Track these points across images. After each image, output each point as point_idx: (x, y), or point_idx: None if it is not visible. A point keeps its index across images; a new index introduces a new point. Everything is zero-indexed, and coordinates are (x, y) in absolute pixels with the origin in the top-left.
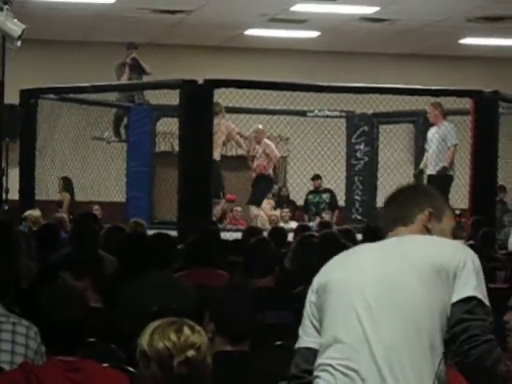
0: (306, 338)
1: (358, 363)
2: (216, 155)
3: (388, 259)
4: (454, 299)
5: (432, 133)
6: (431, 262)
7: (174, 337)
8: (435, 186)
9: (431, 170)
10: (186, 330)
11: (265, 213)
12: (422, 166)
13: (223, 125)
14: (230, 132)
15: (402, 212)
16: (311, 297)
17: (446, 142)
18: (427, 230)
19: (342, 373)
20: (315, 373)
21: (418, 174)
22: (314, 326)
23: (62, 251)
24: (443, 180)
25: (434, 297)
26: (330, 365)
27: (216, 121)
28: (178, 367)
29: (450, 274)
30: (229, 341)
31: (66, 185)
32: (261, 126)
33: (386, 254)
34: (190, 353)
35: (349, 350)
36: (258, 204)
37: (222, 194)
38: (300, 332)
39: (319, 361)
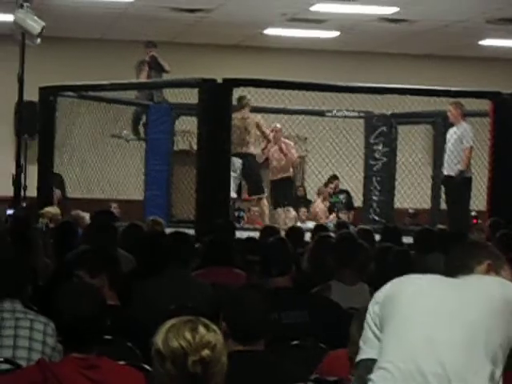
0: (369, 350)
1: (422, 367)
2: (252, 150)
3: (458, 285)
4: None
5: (450, 133)
6: (500, 293)
7: (188, 336)
8: (455, 189)
9: (448, 169)
10: (201, 329)
11: (320, 209)
12: None
13: (250, 117)
14: (257, 123)
15: (461, 262)
16: (374, 307)
17: (463, 143)
18: None
19: (401, 371)
20: (370, 376)
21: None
22: (377, 337)
23: (79, 249)
24: (462, 183)
25: (500, 322)
26: (390, 361)
27: (245, 115)
28: (192, 366)
29: None
30: (239, 341)
31: (57, 182)
32: (279, 125)
33: (455, 281)
34: (205, 352)
35: (413, 353)
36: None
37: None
38: (361, 344)
39: (377, 364)
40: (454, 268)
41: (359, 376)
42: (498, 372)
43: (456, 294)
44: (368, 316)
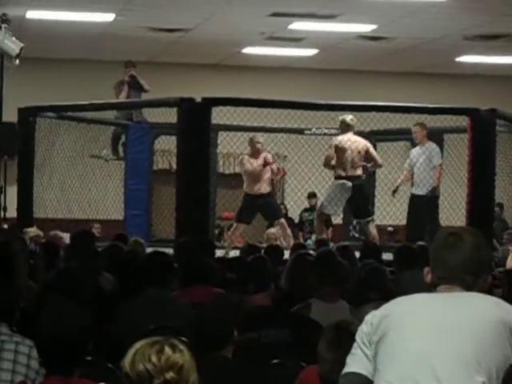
0: (355, 364)
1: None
2: (359, 172)
3: (452, 303)
4: None
5: (418, 153)
6: (494, 313)
7: (154, 358)
8: (427, 206)
9: (419, 190)
10: (167, 350)
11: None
12: (399, 182)
13: (359, 140)
14: (369, 148)
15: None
16: (364, 327)
17: (433, 162)
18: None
19: None
20: None
21: (394, 191)
22: (365, 354)
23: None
24: (434, 201)
25: (496, 341)
26: (388, 381)
27: (352, 137)
28: None
29: None
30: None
31: None
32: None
33: (448, 299)
34: (169, 375)
35: (410, 371)
36: None
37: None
38: (348, 359)
39: (375, 382)
40: (450, 272)
41: None
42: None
43: (450, 312)
44: (357, 336)
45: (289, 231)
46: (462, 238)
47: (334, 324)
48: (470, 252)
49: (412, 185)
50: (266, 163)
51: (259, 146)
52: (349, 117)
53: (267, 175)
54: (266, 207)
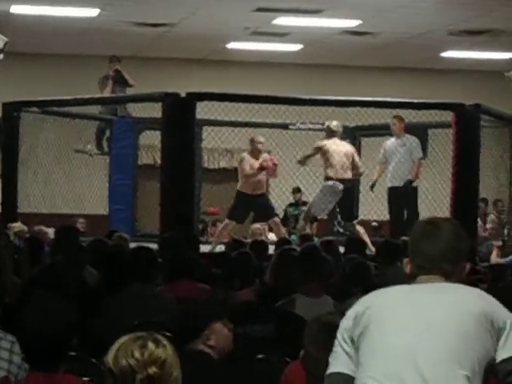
0: (338, 364)
1: (404, 380)
2: (350, 175)
3: (434, 295)
4: (505, 356)
5: (394, 145)
6: (478, 306)
7: (137, 353)
8: (403, 198)
9: (395, 182)
10: (151, 345)
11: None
12: (375, 177)
13: (347, 145)
14: (354, 153)
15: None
16: (344, 323)
17: (412, 155)
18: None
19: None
20: None
21: (372, 186)
22: (346, 352)
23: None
24: (411, 193)
25: (478, 334)
26: (371, 377)
27: (337, 141)
28: None
29: (495, 326)
30: None
31: None
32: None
33: (431, 291)
34: (152, 369)
35: (393, 366)
36: None
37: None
38: (330, 358)
39: (358, 380)
40: (429, 262)
41: None
42: (477, 382)
43: (432, 305)
44: (338, 333)
45: (282, 229)
46: (440, 226)
47: (320, 321)
48: (448, 240)
49: (392, 177)
50: (261, 167)
51: (260, 145)
52: (333, 123)
53: (263, 177)
54: (260, 208)
